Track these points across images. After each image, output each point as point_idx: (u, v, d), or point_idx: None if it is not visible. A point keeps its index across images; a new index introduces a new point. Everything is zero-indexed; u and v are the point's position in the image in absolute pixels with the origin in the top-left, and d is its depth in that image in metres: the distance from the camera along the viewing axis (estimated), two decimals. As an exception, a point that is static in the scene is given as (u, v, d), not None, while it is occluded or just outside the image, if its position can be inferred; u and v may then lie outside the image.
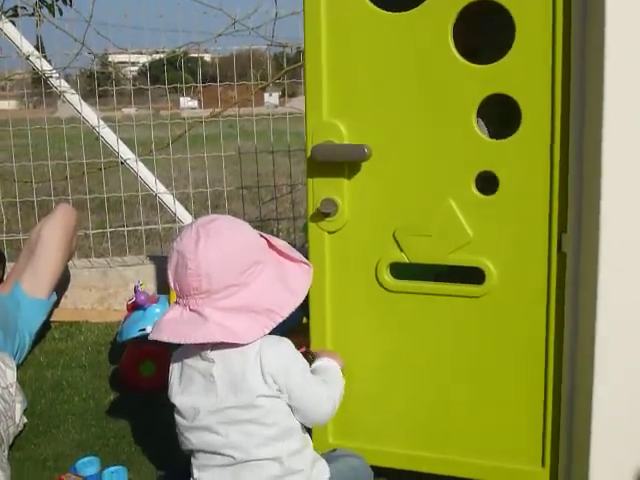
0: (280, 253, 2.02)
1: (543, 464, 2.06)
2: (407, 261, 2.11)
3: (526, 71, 1.91)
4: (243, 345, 1.88)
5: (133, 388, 3.04)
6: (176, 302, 1.96)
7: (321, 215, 2.15)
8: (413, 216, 2.08)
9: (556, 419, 2.02)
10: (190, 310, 1.90)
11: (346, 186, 2.12)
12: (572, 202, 1.90)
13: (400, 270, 2.15)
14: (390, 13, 2.04)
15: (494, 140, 2.00)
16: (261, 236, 2.02)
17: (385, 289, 2.15)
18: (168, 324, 1.93)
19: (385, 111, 2.07)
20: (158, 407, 2.10)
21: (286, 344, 1.96)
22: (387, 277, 2.14)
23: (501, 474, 2.11)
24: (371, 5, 2.06)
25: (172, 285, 1.93)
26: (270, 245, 2.02)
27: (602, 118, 1.76)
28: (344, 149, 2.09)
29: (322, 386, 1.99)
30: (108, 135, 4.28)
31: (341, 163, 2.10)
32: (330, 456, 2.10)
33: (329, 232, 2.17)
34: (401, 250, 2.10)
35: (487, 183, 2.01)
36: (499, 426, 2.10)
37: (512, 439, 2.09)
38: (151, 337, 1.97)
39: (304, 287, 2.00)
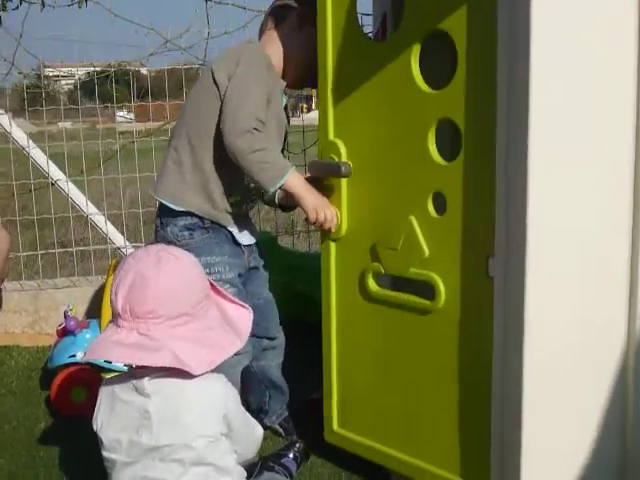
0: (218, 293, 2.00)
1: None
2: (383, 272, 2.26)
3: (466, 97, 1.96)
4: (187, 379, 1.83)
5: (65, 415, 2.98)
6: (115, 324, 1.88)
7: None
8: (386, 230, 2.23)
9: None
10: (139, 334, 1.83)
11: (343, 199, 2.34)
12: (498, 225, 1.92)
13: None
14: (372, 42, 2.22)
15: (442, 162, 2.07)
16: None
17: (370, 295, 2.31)
18: (116, 346, 1.84)
19: (366, 132, 2.26)
20: (91, 434, 2.05)
21: (229, 383, 1.94)
22: (371, 284, 2.29)
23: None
24: (360, 34, 2.26)
25: (119, 306, 1.84)
26: (210, 284, 1.99)
27: (527, 141, 1.79)
28: (324, 165, 2.37)
29: (253, 420, 2.02)
30: (39, 155, 4.21)
31: (338, 179, 2.34)
32: None
33: (332, 240, 2.40)
34: (379, 261, 2.25)
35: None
36: (445, 437, 2.16)
37: (453, 449, 2.14)
38: (96, 357, 1.90)
39: (247, 329, 1.98)
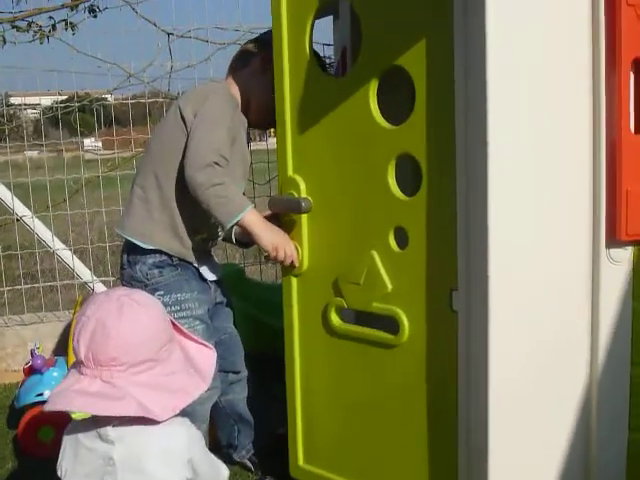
0: (181, 333, 1.97)
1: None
2: (346, 306, 2.26)
3: (425, 132, 1.98)
4: (150, 425, 1.79)
5: (32, 455, 2.95)
6: (78, 371, 1.87)
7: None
8: (347, 265, 2.23)
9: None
10: (102, 381, 1.79)
11: (304, 234, 2.35)
12: (460, 259, 1.93)
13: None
14: (330, 77, 2.23)
15: (403, 197, 2.08)
16: None
17: (333, 330, 2.30)
18: (78, 395, 1.82)
19: (326, 167, 2.26)
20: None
21: (193, 427, 1.91)
22: (334, 319, 2.29)
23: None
24: (318, 69, 2.27)
25: (82, 354, 1.79)
26: (172, 324, 1.96)
27: (487, 175, 1.80)
28: (284, 202, 2.37)
29: (218, 460, 1.99)
30: (4, 191, 4.19)
31: (299, 215, 2.33)
32: None
33: (294, 275, 2.38)
34: (342, 296, 2.25)
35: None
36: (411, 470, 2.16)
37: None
38: (58, 408, 1.87)
39: (211, 371, 1.93)
